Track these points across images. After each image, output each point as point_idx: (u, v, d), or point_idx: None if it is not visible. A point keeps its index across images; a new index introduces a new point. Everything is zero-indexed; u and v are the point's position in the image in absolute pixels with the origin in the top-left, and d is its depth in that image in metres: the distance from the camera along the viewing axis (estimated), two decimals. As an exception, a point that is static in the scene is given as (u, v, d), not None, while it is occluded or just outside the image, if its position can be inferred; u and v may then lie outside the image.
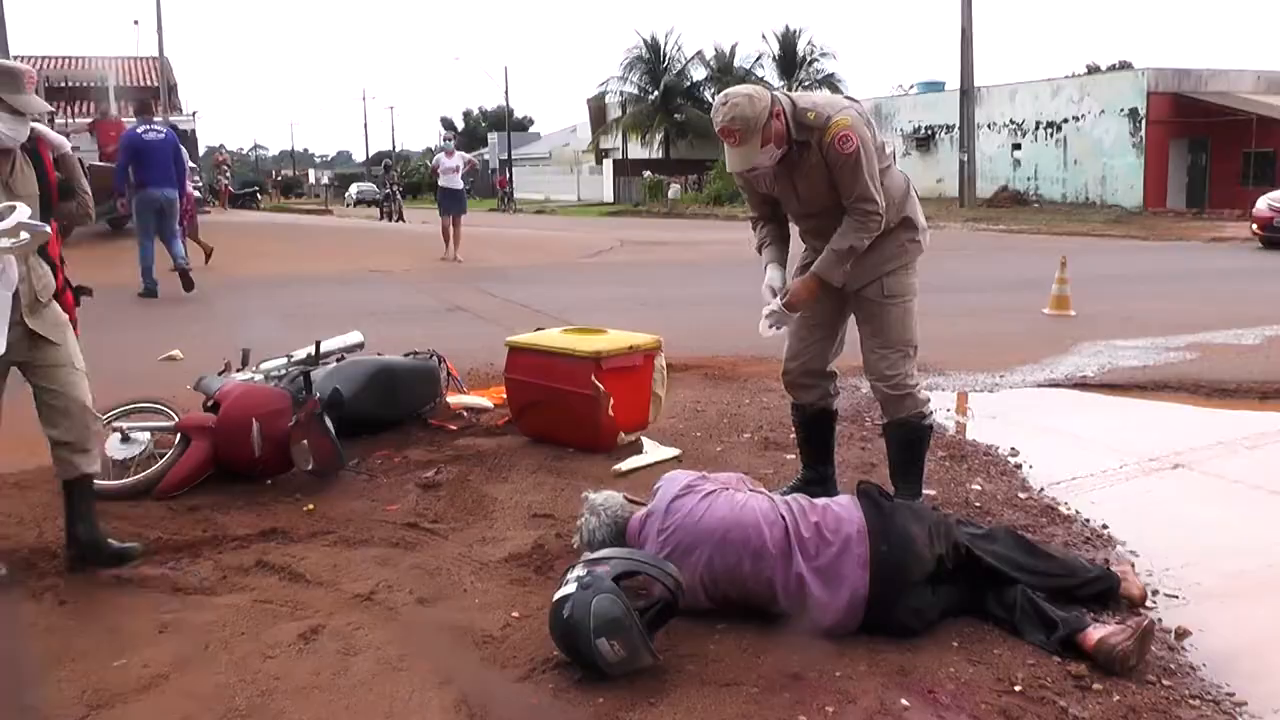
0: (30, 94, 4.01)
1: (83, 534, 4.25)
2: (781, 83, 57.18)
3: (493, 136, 77.64)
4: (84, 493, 4.29)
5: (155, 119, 14.17)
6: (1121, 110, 35.96)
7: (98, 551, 4.26)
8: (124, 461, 5.30)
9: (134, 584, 4.10)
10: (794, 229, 4.79)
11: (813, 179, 4.38)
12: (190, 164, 24.44)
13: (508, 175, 60.02)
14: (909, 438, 4.68)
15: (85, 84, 30.56)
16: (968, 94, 31.65)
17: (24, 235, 3.83)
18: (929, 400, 4.72)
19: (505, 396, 6.35)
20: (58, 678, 3.37)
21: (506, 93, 65.75)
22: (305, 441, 5.28)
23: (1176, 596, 4.00)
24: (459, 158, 20.22)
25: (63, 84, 26.38)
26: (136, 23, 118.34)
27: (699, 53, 58.20)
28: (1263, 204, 21.40)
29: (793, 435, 6.17)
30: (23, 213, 3.86)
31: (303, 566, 4.26)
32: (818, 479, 4.93)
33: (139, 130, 13.22)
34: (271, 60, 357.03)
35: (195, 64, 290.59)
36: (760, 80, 56.65)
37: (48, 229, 3.98)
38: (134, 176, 13.09)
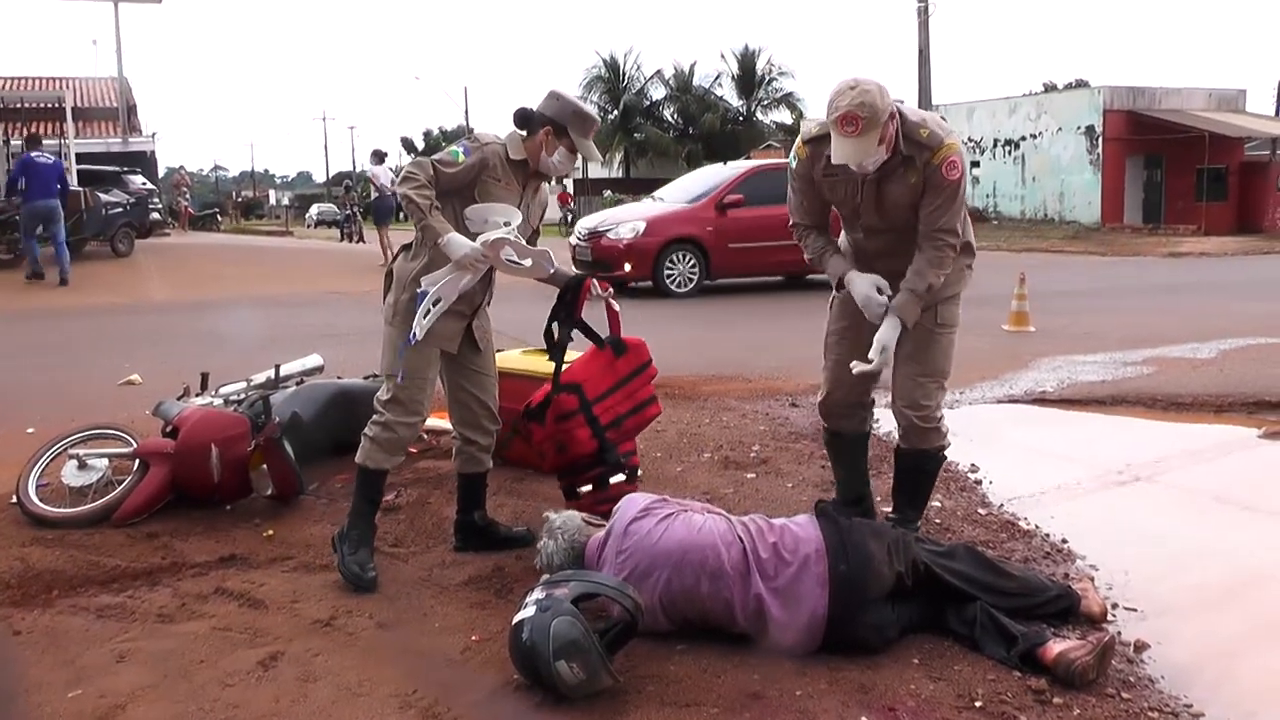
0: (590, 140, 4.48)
1: (479, 519, 4.77)
2: (740, 102, 57.46)
3: (454, 157, 77.42)
4: (483, 484, 4.83)
5: (46, 148, 18.35)
6: (1078, 128, 36.36)
7: (492, 536, 4.74)
8: (81, 488, 5.24)
9: (91, 613, 4.05)
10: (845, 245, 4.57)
11: (900, 196, 4.17)
12: (148, 185, 24.57)
13: None
14: (925, 467, 4.57)
15: (42, 105, 30.27)
16: (926, 112, 31.94)
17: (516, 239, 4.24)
18: (948, 431, 4.58)
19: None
20: (13, 710, 3.32)
21: (466, 112, 65.94)
22: (265, 466, 5.25)
23: (1135, 610, 4.03)
24: (387, 170, 21.70)
25: (18, 105, 26.08)
26: (95, 42, 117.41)
27: (658, 72, 58.65)
28: None
29: (753, 453, 6.20)
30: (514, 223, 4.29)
31: (262, 593, 4.23)
32: (856, 500, 4.80)
33: (33, 155, 17.16)
34: (231, 81, 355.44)
35: (155, 84, 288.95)
36: (720, 99, 57.00)
37: (550, 255, 4.38)
38: (25, 190, 16.82)
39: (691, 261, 15.88)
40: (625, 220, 16.51)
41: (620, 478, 4.66)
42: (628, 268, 15.31)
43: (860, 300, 4.30)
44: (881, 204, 4.23)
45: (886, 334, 4.21)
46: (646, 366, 4.74)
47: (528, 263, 4.25)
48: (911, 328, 4.26)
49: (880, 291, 4.27)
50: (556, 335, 4.68)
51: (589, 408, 4.56)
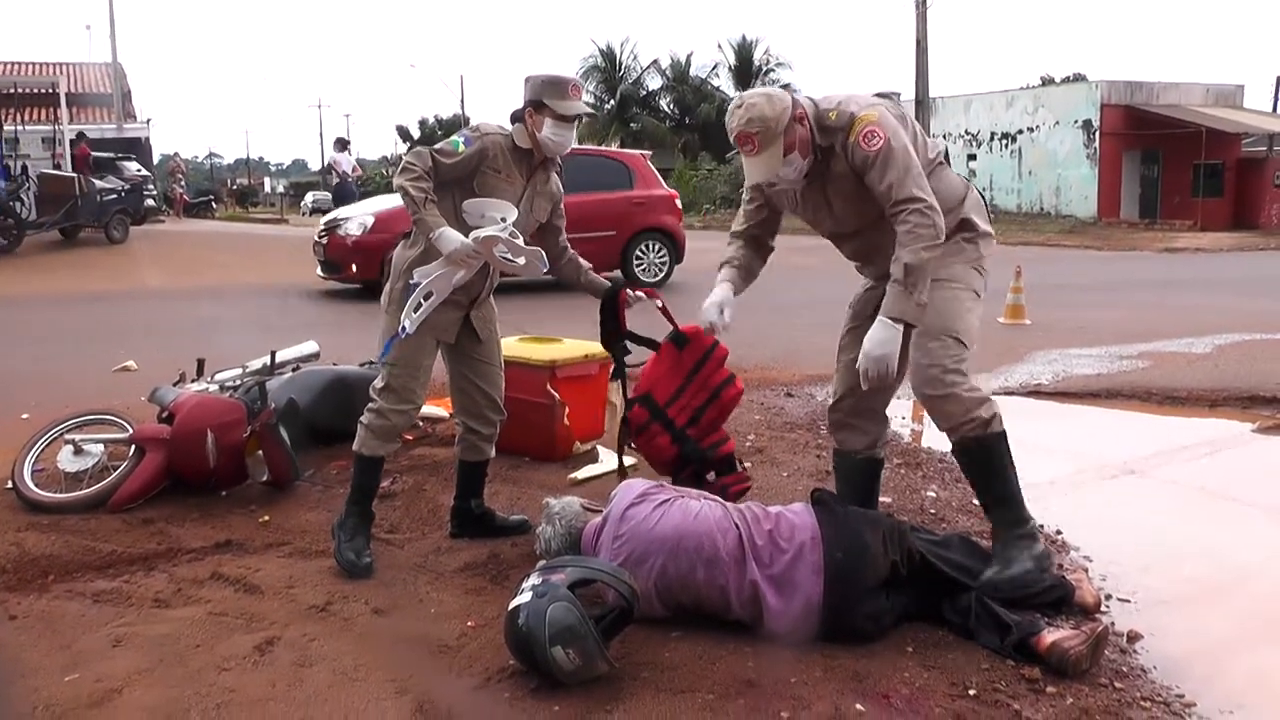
0: (577, 100, 4.40)
1: (475, 507, 4.76)
2: (737, 92, 57.30)
3: (449, 145, 77.31)
4: (482, 473, 4.82)
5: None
6: (1075, 122, 36.36)
7: (488, 524, 4.74)
8: (77, 474, 5.24)
9: (87, 598, 4.05)
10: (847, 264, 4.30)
11: (845, 191, 3.86)
12: (142, 171, 24.80)
13: None
14: (973, 455, 3.88)
15: (35, 90, 30.17)
16: (923, 104, 31.85)
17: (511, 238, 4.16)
18: (989, 401, 3.85)
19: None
20: (8, 694, 3.32)
21: (462, 101, 65.66)
22: (260, 452, 5.25)
23: (1129, 601, 4.05)
24: (348, 156, 22.75)
25: (11, 90, 26.00)
26: (89, 28, 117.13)
27: (655, 62, 58.28)
28: None
29: (749, 442, 6.21)
30: (509, 220, 4.22)
31: (258, 578, 4.23)
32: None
33: None
34: (227, 67, 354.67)
35: (150, 70, 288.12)
36: (717, 89, 56.86)
37: (542, 255, 4.31)
38: None
39: None
40: (357, 214, 14.64)
41: (711, 475, 4.45)
42: (354, 269, 13.88)
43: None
44: (830, 208, 3.97)
45: (872, 337, 3.75)
46: (713, 350, 4.51)
47: (521, 261, 4.22)
48: (916, 326, 3.78)
49: (720, 312, 4.15)
50: (612, 355, 4.73)
51: (663, 414, 4.40)
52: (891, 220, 3.70)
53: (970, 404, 3.77)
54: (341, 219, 14.55)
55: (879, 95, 3.92)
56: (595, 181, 14.71)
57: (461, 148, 4.26)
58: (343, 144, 23.39)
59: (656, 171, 16.99)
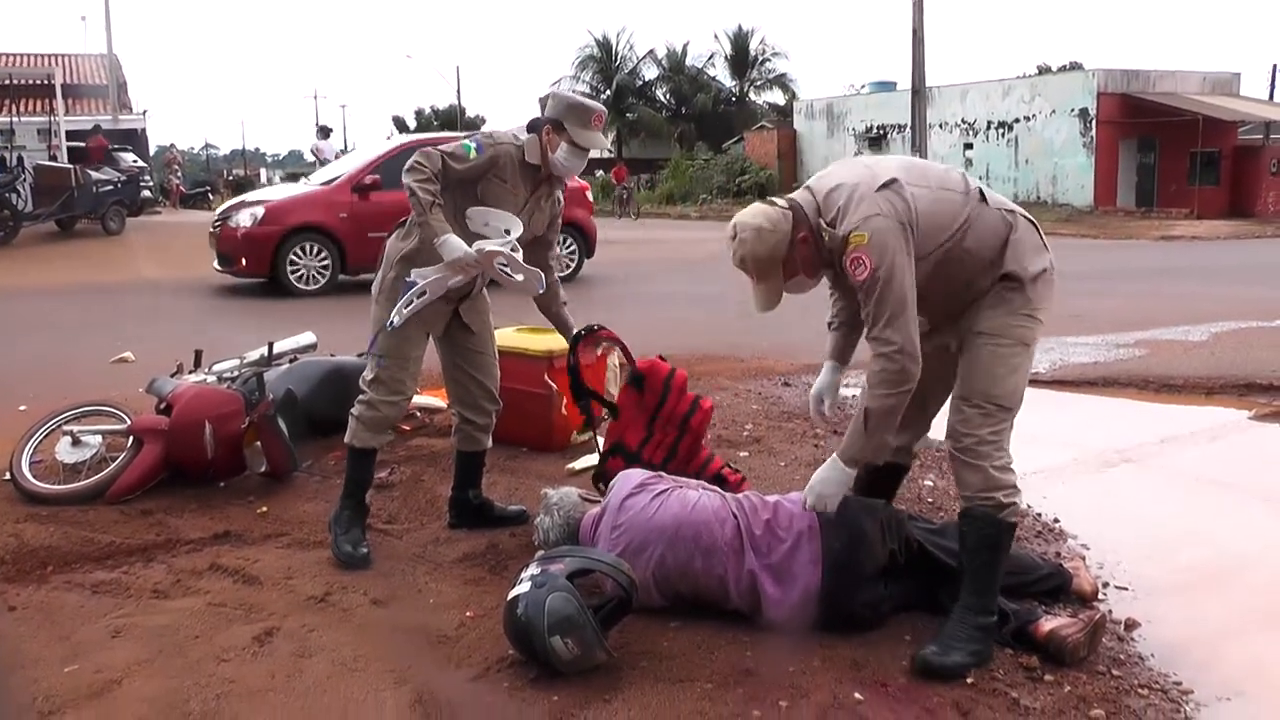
0: (597, 132, 4.38)
1: (473, 498, 4.76)
2: (733, 82, 57.25)
3: (445, 135, 77.29)
4: (480, 463, 4.82)
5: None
6: (1072, 110, 36.29)
7: (486, 515, 4.75)
8: (75, 465, 5.24)
9: (86, 589, 4.06)
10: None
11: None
12: (139, 163, 24.72)
13: None
14: (976, 527, 3.47)
15: (30, 81, 30.11)
16: (919, 94, 31.77)
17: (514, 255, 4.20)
18: (1014, 489, 3.47)
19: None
20: (8, 685, 3.33)
21: (459, 91, 65.21)
22: (258, 443, 5.25)
23: (1126, 589, 4.06)
24: (330, 145, 23.79)
25: (7, 81, 25.95)
26: (84, 19, 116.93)
27: (651, 52, 58.25)
28: None
29: (746, 432, 6.22)
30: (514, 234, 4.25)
31: (256, 569, 4.24)
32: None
33: None
34: (222, 58, 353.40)
35: (145, 62, 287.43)
36: (713, 79, 56.77)
37: (541, 277, 4.35)
38: None
39: (322, 254, 13.65)
40: (248, 205, 14.23)
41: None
42: (244, 263, 13.53)
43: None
44: (851, 292, 3.61)
45: (821, 475, 3.58)
46: (671, 380, 4.62)
47: (520, 278, 4.22)
48: (876, 462, 3.69)
49: (822, 402, 3.96)
50: (580, 409, 4.78)
51: (638, 458, 4.47)
52: (867, 342, 3.44)
53: (995, 484, 3.42)
54: (232, 209, 14.20)
55: (889, 186, 3.37)
56: None
57: (473, 154, 4.24)
58: (325, 131, 24.05)
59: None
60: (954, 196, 3.47)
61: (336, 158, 23.82)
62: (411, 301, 4.20)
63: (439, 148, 4.23)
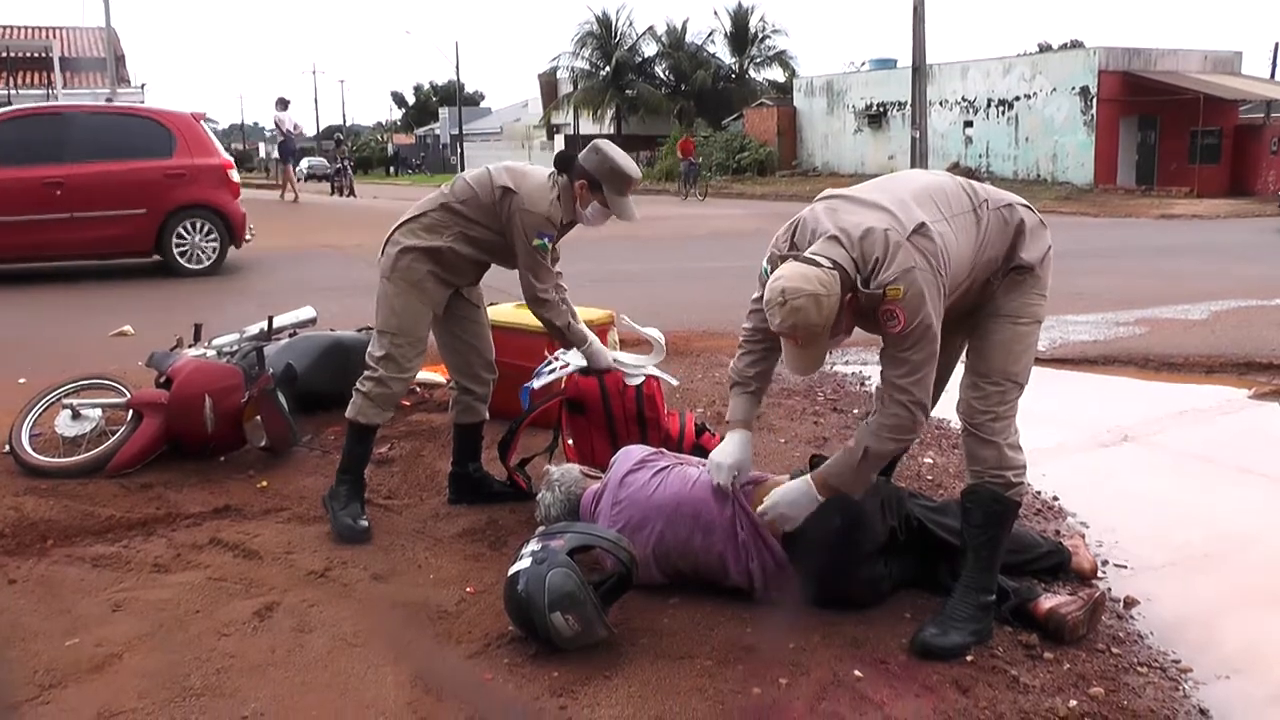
0: (628, 197, 4.47)
1: (474, 471, 4.80)
2: (733, 59, 57.05)
3: (444, 111, 76.97)
4: (478, 436, 4.87)
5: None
6: (1072, 89, 36.18)
7: (486, 490, 4.78)
8: (75, 439, 5.24)
9: (86, 562, 4.06)
10: None
11: None
12: None
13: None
14: (982, 504, 3.48)
15: (28, 54, 30.01)
16: (919, 71, 31.64)
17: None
18: (1022, 469, 3.49)
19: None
20: (8, 658, 3.33)
21: (457, 67, 65.07)
22: (258, 417, 5.25)
23: (1125, 567, 4.07)
24: (289, 116, 25.27)
25: (4, 54, 25.85)
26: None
27: (650, 28, 58.02)
28: None
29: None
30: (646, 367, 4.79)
31: (256, 544, 4.24)
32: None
33: None
34: (220, 32, 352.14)
35: (143, 35, 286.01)
36: (713, 56, 56.55)
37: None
38: None
39: None
40: None
41: None
42: None
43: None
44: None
45: (789, 496, 3.52)
46: (604, 388, 4.69)
47: (639, 379, 4.67)
48: (857, 494, 3.53)
49: (739, 472, 3.71)
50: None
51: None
52: (882, 382, 3.40)
53: (1007, 462, 3.44)
54: None
55: (918, 231, 3.25)
56: (121, 147, 12.58)
57: (550, 246, 4.37)
58: (284, 103, 25.33)
59: (213, 135, 13.93)
60: (969, 218, 3.44)
61: (295, 128, 25.70)
62: (553, 371, 4.74)
63: (540, 260, 4.37)
